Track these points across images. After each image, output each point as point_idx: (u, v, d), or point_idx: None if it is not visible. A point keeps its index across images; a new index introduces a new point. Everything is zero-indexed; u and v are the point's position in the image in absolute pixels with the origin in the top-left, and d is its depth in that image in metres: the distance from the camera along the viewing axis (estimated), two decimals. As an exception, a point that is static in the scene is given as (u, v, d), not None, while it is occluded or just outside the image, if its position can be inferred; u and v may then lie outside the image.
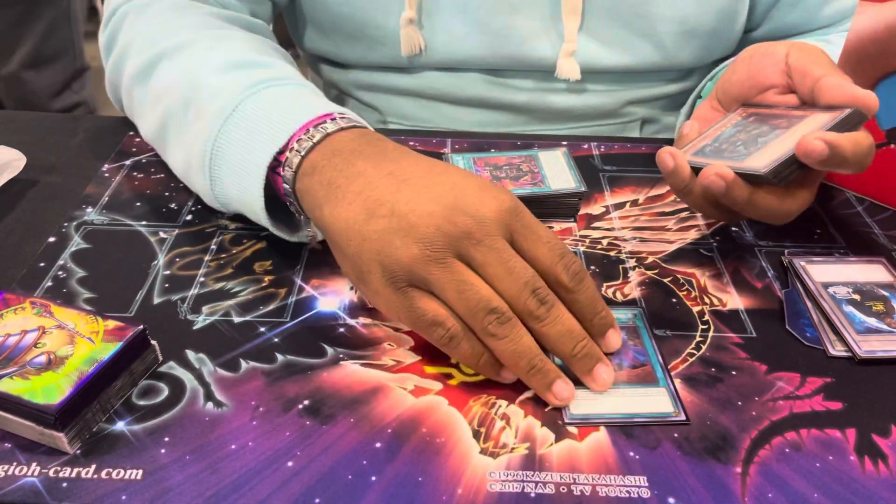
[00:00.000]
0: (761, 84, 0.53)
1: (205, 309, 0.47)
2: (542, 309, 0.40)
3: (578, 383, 0.42)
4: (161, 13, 0.61)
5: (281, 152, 0.47)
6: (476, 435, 0.40)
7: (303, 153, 0.46)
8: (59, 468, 0.37)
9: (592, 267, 0.52)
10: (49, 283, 0.49)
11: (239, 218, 0.55)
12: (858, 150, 0.45)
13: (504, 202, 0.42)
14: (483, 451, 0.39)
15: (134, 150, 0.64)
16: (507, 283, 0.40)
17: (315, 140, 0.47)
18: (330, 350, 0.45)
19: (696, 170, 0.49)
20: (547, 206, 0.57)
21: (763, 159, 0.47)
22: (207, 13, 0.62)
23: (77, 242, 0.53)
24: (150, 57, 0.57)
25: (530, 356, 0.40)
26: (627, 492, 0.37)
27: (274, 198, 0.50)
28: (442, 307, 0.41)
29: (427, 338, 0.42)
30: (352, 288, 0.49)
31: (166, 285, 0.49)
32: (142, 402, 0.41)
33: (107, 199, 0.58)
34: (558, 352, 0.41)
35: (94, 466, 0.37)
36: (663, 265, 0.53)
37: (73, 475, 0.37)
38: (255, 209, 0.49)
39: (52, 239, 0.53)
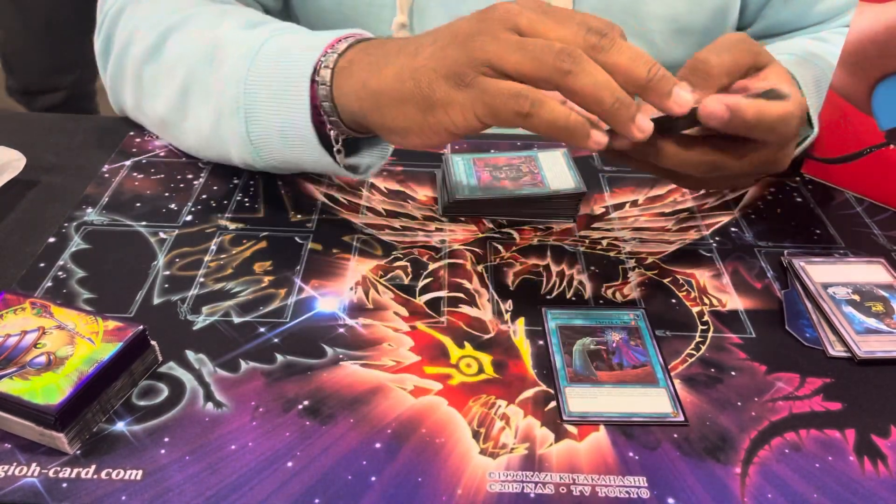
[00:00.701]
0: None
1: (205, 309, 0.47)
2: (606, 40, 0.39)
3: (581, 381, 0.42)
4: (156, 2, 0.61)
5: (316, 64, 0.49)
6: (476, 435, 0.40)
7: (339, 52, 0.48)
8: (58, 468, 0.37)
9: (592, 267, 0.52)
10: (49, 284, 0.49)
11: (239, 218, 0.55)
12: (764, 116, 0.44)
13: None
14: (483, 452, 0.39)
15: (134, 150, 0.64)
16: (561, 31, 0.40)
17: (349, 42, 0.49)
18: (329, 350, 0.45)
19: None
20: (547, 207, 0.57)
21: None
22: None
23: (77, 243, 0.53)
24: (159, 33, 0.57)
25: (612, 87, 0.39)
26: (627, 492, 0.37)
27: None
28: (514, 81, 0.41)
29: (512, 120, 0.41)
30: (351, 288, 0.49)
31: (166, 286, 0.49)
32: (142, 403, 0.41)
33: (107, 199, 0.58)
34: (633, 78, 0.40)
35: (93, 467, 0.37)
36: (663, 266, 0.53)
37: (73, 475, 0.37)
38: (302, 130, 0.50)
39: (52, 239, 0.53)
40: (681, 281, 0.51)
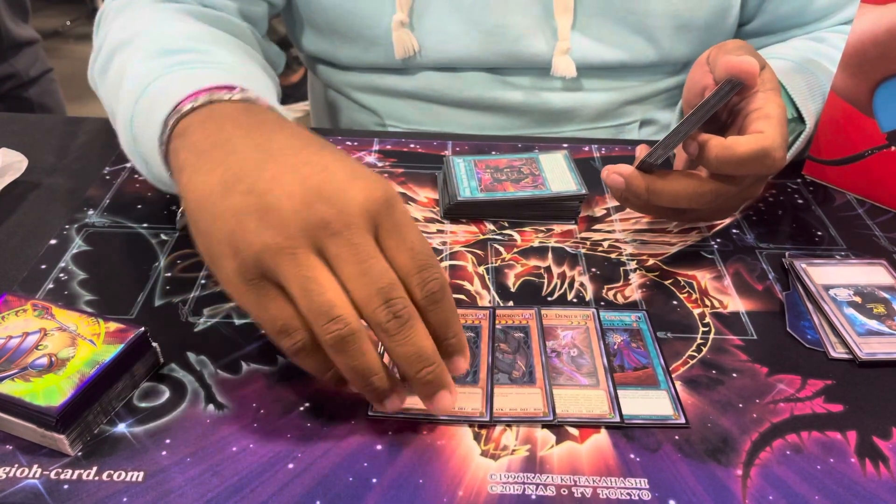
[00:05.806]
0: (697, 87, 0.55)
1: (206, 311, 0.47)
2: (394, 323, 0.36)
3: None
4: (129, 13, 0.61)
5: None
6: (477, 437, 0.40)
7: (181, 114, 0.44)
8: (60, 470, 0.37)
9: (593, 269, 0.52)
10: (50, 286, 0.49)
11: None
12: (730, 157, 0.47)
13: (374, 192, 0.37)
14: (484, 454, 0.39)
15: (135, 152, 0.64)
16: (359, 285, 0.36)
17: (197, 104, 0.44)
18: (331, 352, 0.45)
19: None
20: (547, 209, 0.57)
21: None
22: (179, 10, 0.61)
23: (78, 244, 0.53)
24: (108, 53, 0.57)
25: (367, 376, 0.37)
26: (628, 494, 0.37)
27: None
28: (294, 311, 0.36)
29: (275, 342, 0.38)
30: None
31: (167, 287, 0.49)
32: (143, 404, 0.41)
33: (108, 201, 0.58)
34: (402, 371, 0.38)
35: (95, 468, 0.37)
36: (664, 267, 0.53)
37: (75, 477, 0.37)
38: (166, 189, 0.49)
39: (53, 241, 0.53)
40: (682, 283, 0.51)
